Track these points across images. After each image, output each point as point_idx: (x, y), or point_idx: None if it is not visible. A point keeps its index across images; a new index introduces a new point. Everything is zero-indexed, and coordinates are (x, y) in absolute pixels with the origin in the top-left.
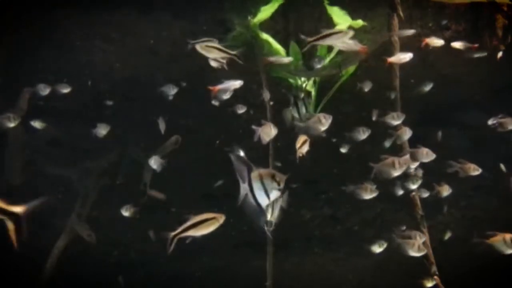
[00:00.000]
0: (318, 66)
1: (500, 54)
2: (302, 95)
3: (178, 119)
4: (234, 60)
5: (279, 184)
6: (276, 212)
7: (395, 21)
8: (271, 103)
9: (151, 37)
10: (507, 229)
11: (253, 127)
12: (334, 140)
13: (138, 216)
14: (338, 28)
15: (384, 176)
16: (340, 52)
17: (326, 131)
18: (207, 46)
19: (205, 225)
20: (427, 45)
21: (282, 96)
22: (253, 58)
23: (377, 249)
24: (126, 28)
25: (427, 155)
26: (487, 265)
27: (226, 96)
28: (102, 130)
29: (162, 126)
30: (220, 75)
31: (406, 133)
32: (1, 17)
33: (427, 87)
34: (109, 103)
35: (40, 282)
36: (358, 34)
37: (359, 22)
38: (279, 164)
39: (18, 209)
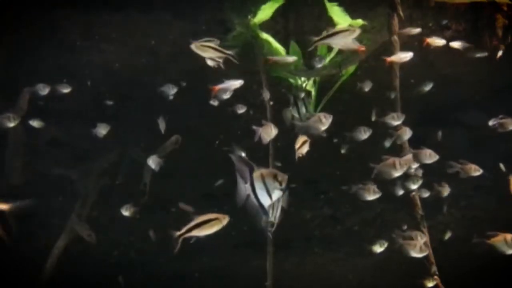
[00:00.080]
0: (319, 65)
1: (500, 54)
2: (302, 95)
3: (178, 119)
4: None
5: (281, 184)
6: (278, 212)
7: (395, 21)
8: (271, 103)
9: (151, 37)
10: (507, 229)
11: (254, 127)
12: (334, 140)
13: (138, 216)
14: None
15: (385, 177)
16: (340, 51)
17: (326, 131)
18: (202, 45)
19: (209, 225)
20: (428, 45)
21: (282, 96)
22: (253, 58)
23: (377, 249)
24: (126, 28)
25: (430, 156)
26: (487, 265)
27: (226, 96)
28: (102, 130)
29: (162, 126)
30: (221, 75)
31: (406, 133)
32: (1, 17)
33: (427, 87)
34: (109, 103)
35: (40, 282)
36: None
37: (359, 22)
38: (279, 164)
39: (2, 206)
